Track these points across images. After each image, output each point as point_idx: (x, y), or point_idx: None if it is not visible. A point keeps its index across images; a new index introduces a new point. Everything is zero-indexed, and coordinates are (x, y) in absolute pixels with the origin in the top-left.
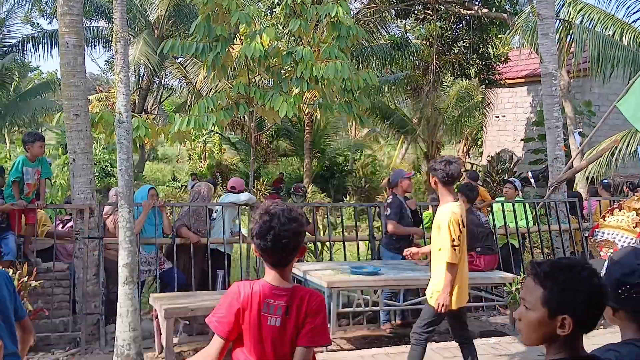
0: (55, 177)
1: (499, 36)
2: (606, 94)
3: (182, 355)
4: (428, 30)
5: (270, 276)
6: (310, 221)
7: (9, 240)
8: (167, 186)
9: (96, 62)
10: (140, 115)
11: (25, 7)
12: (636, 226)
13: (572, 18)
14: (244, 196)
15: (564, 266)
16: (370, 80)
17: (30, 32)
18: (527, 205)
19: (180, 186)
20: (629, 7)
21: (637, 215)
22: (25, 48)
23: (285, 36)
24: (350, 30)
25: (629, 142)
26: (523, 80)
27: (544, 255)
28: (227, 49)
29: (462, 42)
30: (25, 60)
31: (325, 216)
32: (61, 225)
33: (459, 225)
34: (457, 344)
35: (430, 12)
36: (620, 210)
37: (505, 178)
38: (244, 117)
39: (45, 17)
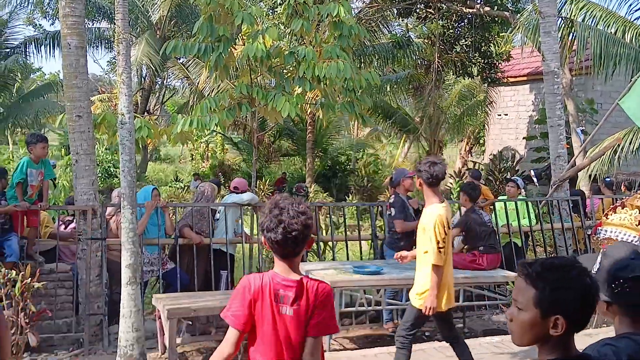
0: (58, 178)
1: (501, 34)
2: (608, 92)
3: (184, 356)
4: (430, 28)
5: (279, 267)
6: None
7: (12, 242)
8: (169, 186)
9: (98, 62)
10: (142, 116)
11: (27, 8)
12: (639, 224)
13: (574, 16)
14: (247, 196)
15: (555, 266)
16: (372, 80)
17: (33, 33)
18: (529, 203)
19: (182, 186)
20: (631, 4)
21: (639, 213)
22: (27, 49)
23: (287, 36)
24: (352, 30)
25: (632, 140)
26: (525, 78)
27: (546, 253)
28: (229, 49)
29: (464, 40)
30: (28, 61)
31: (328, 215)
32: (63, 226)
33: (444, 226)
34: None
35: (432, 11)
36: (623, 208)
37: (507, 176)
38: (247, 117)
39: (47, 18)
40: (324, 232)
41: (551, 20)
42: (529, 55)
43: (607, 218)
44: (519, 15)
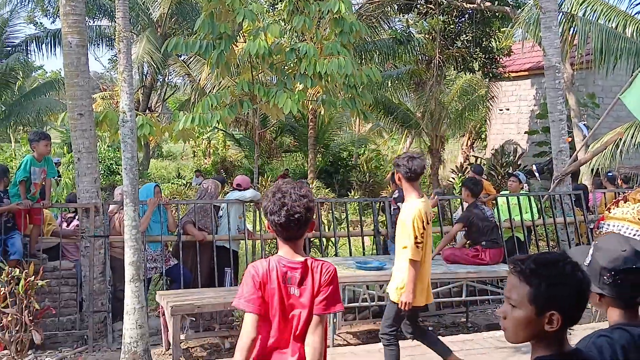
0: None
1: (501, 29)
2: (610, 86)
3: (189, 352)
4: (431, 24)
5: (284, 250)
6: (315, 216)
7: (16, 240)
8: (171, 183)
9: (100, 60)
10: (144, 114)
11: (28, 6)
12: None
13: (575, 10)
14: (249, 193)
15: (548, 262)
16: (374, 76)
17: (34, 31)
18: (532, 198)
19: (185, 183)
20: None
21: None
22: (28, 48)
23: (288, 33)
24: (353, 26)
25: (633, 134)
26: (526, 73)
27: (549, 247)
28: (230, 47)
29: (465, 35)
30: (29, 59)
31: (330, 211)
32: (65, 224)
33: (423, 222)
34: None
35: (433, 6)
36: (625, 202)
37: (509, 171)
38: (248, 114)
39: (48, 16)
40: (326, 228)
41: (552, 15)
42: (530, 50)
43: (609, 212)
44: (519, 10)
